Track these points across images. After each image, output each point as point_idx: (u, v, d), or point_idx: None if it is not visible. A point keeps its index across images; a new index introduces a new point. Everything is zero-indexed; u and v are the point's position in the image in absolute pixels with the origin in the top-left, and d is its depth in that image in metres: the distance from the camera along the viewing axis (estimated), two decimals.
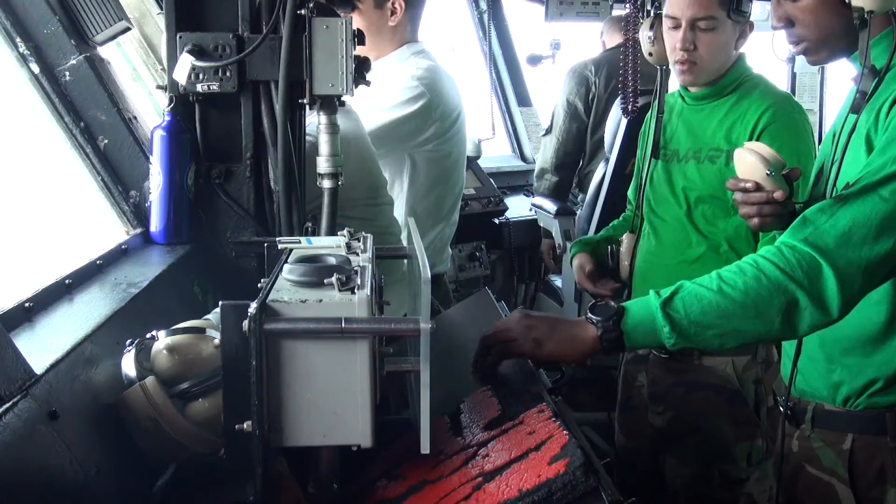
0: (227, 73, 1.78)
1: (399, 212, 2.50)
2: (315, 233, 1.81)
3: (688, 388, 2.23)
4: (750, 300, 1.39)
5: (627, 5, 2.65)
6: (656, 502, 2.32)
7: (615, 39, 3.78)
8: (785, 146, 1.97)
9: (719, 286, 1.40)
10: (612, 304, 1.44)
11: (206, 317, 1.42)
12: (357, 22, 2.44)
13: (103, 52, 1.97)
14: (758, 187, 1.56)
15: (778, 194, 1.55)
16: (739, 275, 1.41)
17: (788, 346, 1.68)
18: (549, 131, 3.96)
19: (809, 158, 2.06)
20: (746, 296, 1.39)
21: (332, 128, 1.81)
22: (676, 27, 2.13)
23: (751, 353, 2.18)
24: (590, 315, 1.43)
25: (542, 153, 3.98)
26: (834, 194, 1.50)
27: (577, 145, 3.87)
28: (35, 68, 1.82)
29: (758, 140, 2.06)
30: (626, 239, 2.35)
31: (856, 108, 1.50)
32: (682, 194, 2.22)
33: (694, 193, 2.20)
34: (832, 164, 1.55)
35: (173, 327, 1.32)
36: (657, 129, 2.28)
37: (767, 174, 1.55)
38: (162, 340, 1.28)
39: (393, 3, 2.52)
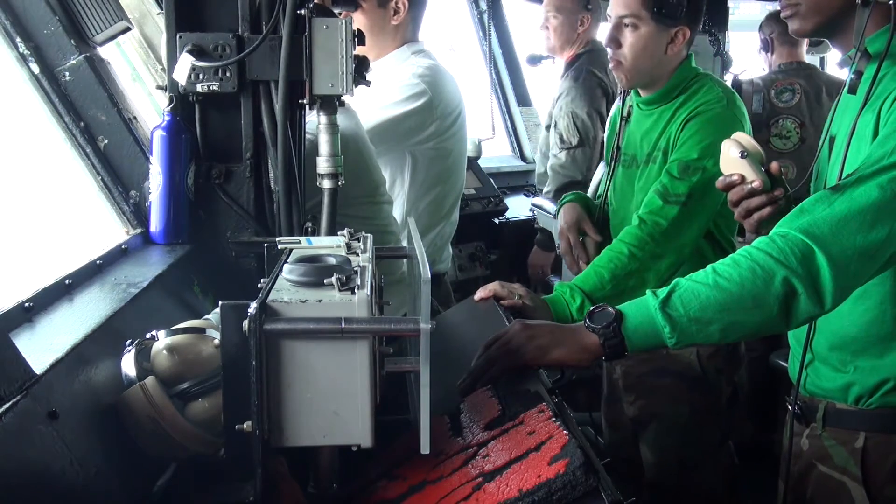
0: (227, 73, 1.79)
1: (399, 210, 2.50)
2: (315, 233, 1.81)
3: (656, 376, 2.26)
4: (747, 291, 1.38)
5: None
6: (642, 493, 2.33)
7: None
8: (708, 136, 2.00)
9: (715, 280, 1.40)
10: (610, 309, 1.43)
11: (206, 317, 1.42)
12: (359, 21, 2.45)
13: (103, 52, 1.97)
14: (743, 179, 1.53)
15: (756, 183, 1.51)
16: (734, 267, 1.40)
17: (796, 348, 1.68)
18: (581, 143, 3.56)
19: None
20: (743, 287, 1.38)
21: (332, 128, 1.81)
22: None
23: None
24: (589, 323, 1.42)
25: (572, 165, 3.56)
26: None
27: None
28: (35, 68, 1.82)
29: (680, 132, 2.07)
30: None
31: (853, 87, 1.49)
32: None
33: None
34: (836, 162, 1.54)
35: (173, 327, 1.32)
36: (619, 134, 2.29)
37: (741, 155, 1.51)
38: (162, 340, 1.28)
39: (396, 3, 2.52)
